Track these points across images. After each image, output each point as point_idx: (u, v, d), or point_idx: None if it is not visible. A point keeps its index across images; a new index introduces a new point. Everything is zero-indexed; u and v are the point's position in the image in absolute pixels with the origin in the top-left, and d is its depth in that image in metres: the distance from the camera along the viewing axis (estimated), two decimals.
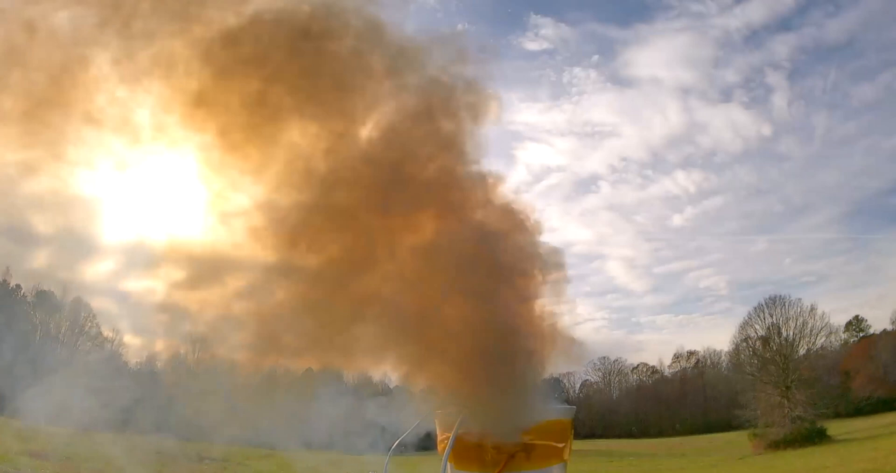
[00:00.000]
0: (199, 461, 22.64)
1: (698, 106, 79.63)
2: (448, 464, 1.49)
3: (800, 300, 41.64)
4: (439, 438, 1.49)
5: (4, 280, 44.57)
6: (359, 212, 2.36)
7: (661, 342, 74.45)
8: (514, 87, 62.22)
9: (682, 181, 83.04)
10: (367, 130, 2.53)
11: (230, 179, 2.47)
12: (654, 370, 64.80)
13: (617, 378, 63.48)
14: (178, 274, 2.63)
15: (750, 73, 68.06)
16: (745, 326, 42.89)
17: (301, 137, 2.45)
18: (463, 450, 1.42)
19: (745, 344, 43.44)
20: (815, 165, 72.26)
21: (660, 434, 52.18)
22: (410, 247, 2.30)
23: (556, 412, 1.60)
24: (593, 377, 61.75)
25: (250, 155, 2.44)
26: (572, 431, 1.57)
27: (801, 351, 40.08)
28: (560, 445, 1.54)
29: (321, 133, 2.44)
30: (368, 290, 2.26)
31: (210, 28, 2.48)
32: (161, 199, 2.79)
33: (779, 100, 69.59)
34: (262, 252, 2.45)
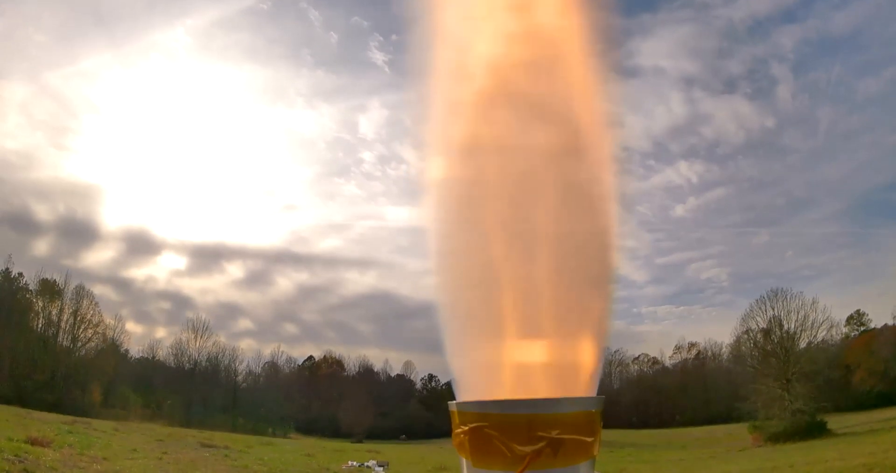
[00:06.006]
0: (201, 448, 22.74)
1: (702, 96, 78.45)
2: (465, 461, 1.32)
3: (801, 292, 41.49)
4: (454, 432, 1.32)
5: (7, 268, 44.70)
6: None
7: (662, 333, 74.41)
8: None
9: (685, 172, 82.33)
10: None
11: None
12: (654, 361, 65.10)
13: (618, 369, 63.67)
14: None
15: (754, 64, 67.03)
16: (746, 318, 42.80)
17: None
18: (481, 446, 1.24)
19: (746, 336, 43.42)
20: (818, 159, 71.38)
21: (660, 424, 52.41)
22: None
23: (586, 402, 1.41)
24: None
25: None
26: (601, 423, 1.40)
27: (803, 344, 39.98)
28: (589, 439, 1.36)
29: None
30: None
31: None
32: None
33: (783, 92, 68.64)
34: None
